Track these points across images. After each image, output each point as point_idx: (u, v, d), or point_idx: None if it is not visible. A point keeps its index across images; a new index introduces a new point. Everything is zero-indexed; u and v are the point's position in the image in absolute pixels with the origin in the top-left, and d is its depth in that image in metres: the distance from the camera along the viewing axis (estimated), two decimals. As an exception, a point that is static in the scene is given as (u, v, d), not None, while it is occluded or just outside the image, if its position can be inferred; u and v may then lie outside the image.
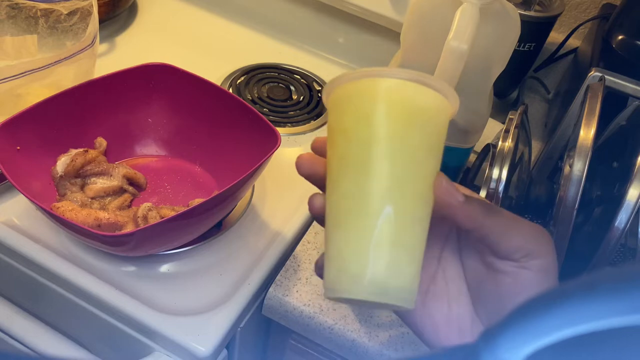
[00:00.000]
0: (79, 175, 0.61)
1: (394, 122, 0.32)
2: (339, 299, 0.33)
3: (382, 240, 0.31)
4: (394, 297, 0.31)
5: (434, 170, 0.34)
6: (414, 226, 0.32)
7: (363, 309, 0.58)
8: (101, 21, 0.77)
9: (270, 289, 0.58)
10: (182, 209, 0.58)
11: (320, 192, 0.37)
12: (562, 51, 0.89)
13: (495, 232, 0.33)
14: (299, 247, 0.62)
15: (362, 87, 0.34)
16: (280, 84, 0.83)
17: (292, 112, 0.79)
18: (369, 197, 0.32)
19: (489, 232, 0.34)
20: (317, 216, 0.36)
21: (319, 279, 0.59)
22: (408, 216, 0.32)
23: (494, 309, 0.35)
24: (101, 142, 0.64)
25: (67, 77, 0.66)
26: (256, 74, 0.83)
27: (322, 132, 0.77)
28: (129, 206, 0.62)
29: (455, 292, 0.37)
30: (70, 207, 0.56)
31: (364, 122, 0.33)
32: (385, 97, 0.32)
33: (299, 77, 0.85)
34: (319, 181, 0.37)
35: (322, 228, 0.65)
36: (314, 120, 0.79)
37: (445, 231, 0.38)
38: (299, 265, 0.60)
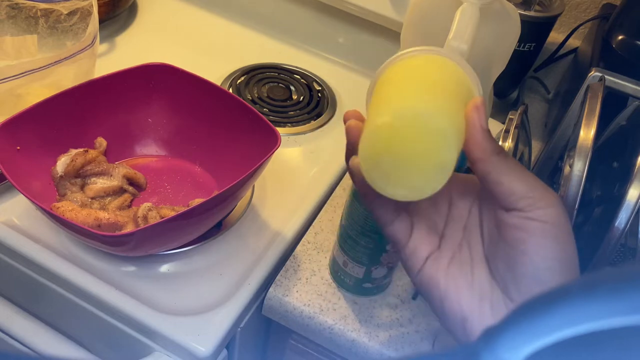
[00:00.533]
0: (79, 175, 0.61)
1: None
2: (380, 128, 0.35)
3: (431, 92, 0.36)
4: (432, 130, 0.34)
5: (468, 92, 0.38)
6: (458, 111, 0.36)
7: (362, 308, 0.58)
8: (101, 21, 0.77)
9: (270, 289, 0.58)
10: (182, 209, 0.58)
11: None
12: (562, 51, 0.89)
13: (498, 171, 0.34)
14: (299, 247, 0.62)
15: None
16: (280, 84, 0.83)
17: (292, 112, 0.79)
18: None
19: (492, 170, 0.35)
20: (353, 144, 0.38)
21: (319, 279, 0.60)
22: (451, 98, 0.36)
23: (508, 271, 0.35)
24: (101, 142, 0.64)
25: (67, 77, 0.66)
26: (256, 74, 0.83)
27: (322, 132, 0.77)
28: (129, 206, 0.62)
29: (477, 260, 0.38)
30: (70, 207, 0.56)
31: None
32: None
33: (299, 77, 0.85)
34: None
35: (322, 228, 0.65)
36: (314, 120, 0.79)
37: (468, 205, 0.40)
38: (299, 265, 0.60)
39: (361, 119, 0.38)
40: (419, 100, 0.35)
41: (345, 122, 0.39)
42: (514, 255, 0.34)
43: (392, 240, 0.40)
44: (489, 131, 0.35)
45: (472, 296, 0.36)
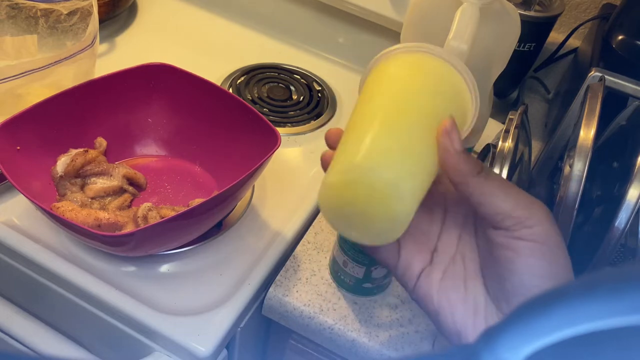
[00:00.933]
0: (79, 175, 0.61)
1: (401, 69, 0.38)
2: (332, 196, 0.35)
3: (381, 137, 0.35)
4: (382, 189, 0.33)
5: (440, 112, 0.36)
6: (418, 143, 0.35)
7: (362, 308, 0.58)
8: (101, 21, 0.77)
9: (270, 289, 0.58)
10: (182, 209, 0.58)
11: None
12: (562, 51, 0.89)
13: (479, 193, 0.33)
14: (299, 247, 0.62)
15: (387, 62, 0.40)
16: (280, 84, 0.83)
17: (292, 112, 0.79)
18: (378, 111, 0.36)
19: (472, 191, 0.34)
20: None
21: (319, 279, 0.60)
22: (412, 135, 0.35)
23: (499, 287, 0.35)
24: (101, 142, 0.64)
25: (67, 77, 0.66)
26: (256, 74, 0.83)
27: (322, 132, 0.77)
28: (129, 206, 0.62)
29: (471, 273, 0.37)
30: (70, 207, 0.56)
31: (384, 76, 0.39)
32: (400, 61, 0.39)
33: (299, 77, 0.85)
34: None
35: (322, 228, 0.65)
36: (314, 120, 0.79)
37: (462, 215, 0.39)
38: (299, 265, 0.60)
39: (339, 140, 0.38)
40: (369, 155, 0.34)
41: (326, 140, 0.39)
42: (502, 272, 0.34)
43: (382, 264, 0.40)
44: (464, 152, 0.34)
45: (465, 311, 0.36)
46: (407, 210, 0.34)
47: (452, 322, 0.36)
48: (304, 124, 0.78)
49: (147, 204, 0.58)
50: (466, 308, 0.36)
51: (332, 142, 0.39)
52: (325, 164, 0.38)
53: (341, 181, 0.34)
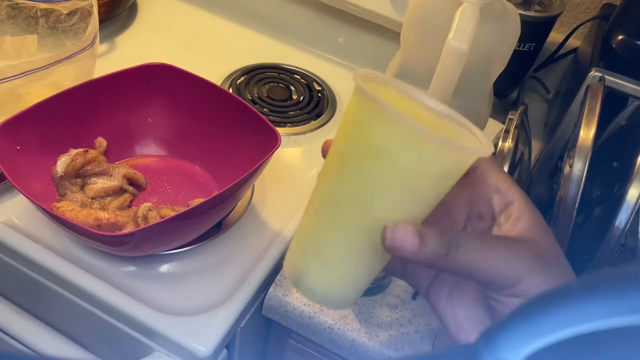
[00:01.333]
0: (79, 175, 0.61)
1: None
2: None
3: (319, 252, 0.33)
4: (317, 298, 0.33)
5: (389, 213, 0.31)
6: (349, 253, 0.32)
7: (362, 308, 0.58)
8: (101, 21, 0.77)
9: (270, 289, 0.58)
10: (182, 209, 0.58)
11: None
12: (562, 51, 0.89)
13: (458, 268, 0.31)
14: (299, 247, 0.62)
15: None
16: (280, 84, 0.83)
17: (292, 112, 0.79)
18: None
19: (450, 268, 0.31)
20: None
21: (319, 279, 0.59)
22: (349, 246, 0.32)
23: (496, 312, 0.35)
24: (101, 142, 0.64)
25: (67, 77, 0.66)
26: (256, 74, 0.83)
27: (322, 132, 0.77)
28: (129, 206, 0.62)
29: (475, 294, 0.36)
30: (70, 207, 0.56)
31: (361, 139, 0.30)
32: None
33: (299, 77, 0.85)
34: None
35: (322, 228, 0.65)
36: (314, 120, 0.79)
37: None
38: (299, 265, 0.60)
39: None
40: (295, 265, 0.33)
41: (322, 151, 0.37)
42: (502, 312, 0.33)
43: (392, 274, 0.39)
44: (419, 241, 0.30)
45: (470, 326, 0.35)
46: (347, 300, 0.33)
47: (458, 337, 0.36)
48: (304, 124, 0.78)
49: (147, 204, 0.58)
50: (470, 324, 0.35)
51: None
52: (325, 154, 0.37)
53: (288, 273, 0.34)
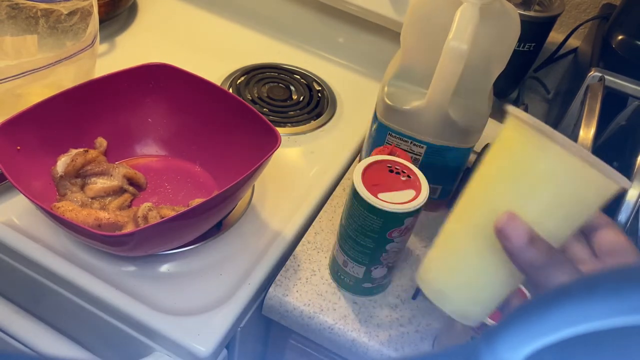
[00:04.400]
0: (79, 175, 0.61)
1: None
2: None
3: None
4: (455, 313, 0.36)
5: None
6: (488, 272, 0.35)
7: (362, 308, 0.58)
8: (101, 21, 0.77)
9: (270, 289, 0.58)
10: (182, 209, 0.58)
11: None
12: (562, 51, 0.89)
13: (542, 289, 0.31)
14: (299, 247, 0.62)
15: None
16: (280, 84, 0.83)
17: (292, 112, 0.79)
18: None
19: (538, 286, 0.31)
20: None
21: (319, 278, 0.60)
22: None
23: None
24: (101, 142, 0.64)
25: (67, 77, 0.66)
26: (256, 74, 0.83)
27: (322, 132, 0.77)
28: (129, 206, 0.62)
29: None
30: (70, 207, 0.56)
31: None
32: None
33: (299, 77, 0.85)
34: None
35: (322, 228, 0.65)
36: (314, 120, 0.79)
37: None
38: (299, 265, 0.60)
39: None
40: (445, 277, 0.36)
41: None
42: None
43: None
44: (528, 239, 0.31)
45: None
46: (478, 315, 0.36)
47: None
48: (304, 124, 0.78)
49: (147, 204, 0.58)
50: None
51: None
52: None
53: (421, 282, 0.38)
